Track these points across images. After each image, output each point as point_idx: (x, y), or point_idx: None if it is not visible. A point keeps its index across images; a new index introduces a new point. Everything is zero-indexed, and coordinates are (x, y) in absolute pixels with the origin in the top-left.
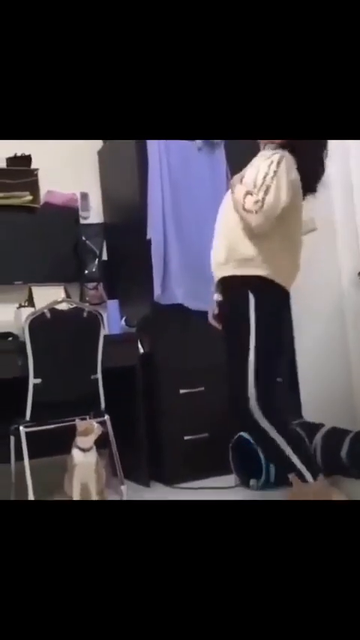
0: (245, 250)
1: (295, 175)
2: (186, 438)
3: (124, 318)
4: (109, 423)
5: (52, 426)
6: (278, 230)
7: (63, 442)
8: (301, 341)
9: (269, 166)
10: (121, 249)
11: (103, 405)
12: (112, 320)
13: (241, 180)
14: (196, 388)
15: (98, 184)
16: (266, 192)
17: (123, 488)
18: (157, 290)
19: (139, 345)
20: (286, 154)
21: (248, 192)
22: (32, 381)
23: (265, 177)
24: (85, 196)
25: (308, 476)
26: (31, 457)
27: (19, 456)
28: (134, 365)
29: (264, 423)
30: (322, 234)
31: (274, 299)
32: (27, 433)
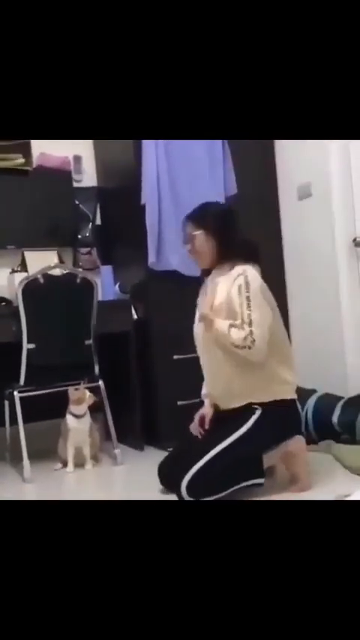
0: (244, 384)
1: (261, 281)
2: (179, 403)
3: (117, 284)
4: (102, 388)
5: (46, 391)
6: (270, 347)
7: (57, 407)
8: (295, 308)
9: (240, 294)
10: (115, 214)
11: (97, 371)
12: (106, 286)
13: (211, 307)
14: (189, 354)
15: (92, 147)
16: (251, 324)
17: (117, 452)
18: (151, 256)
19: (133, 311)
20: (247, 268)
21: (232, 325)
22: (26, 346)
23: (242, 307)
24: (78, 159)
25: None
26: (25, 421)
27: (14, 421)
28: (128, 331)
29: None
30: (318, 200)
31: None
32: (21, 398)
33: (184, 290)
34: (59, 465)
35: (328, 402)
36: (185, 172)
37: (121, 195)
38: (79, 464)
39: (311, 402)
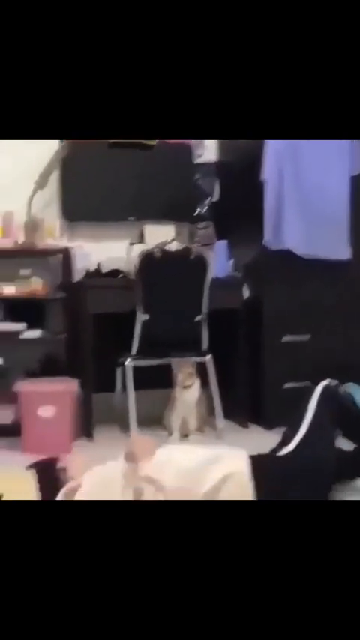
0: None
1: None
2: (286, 385)
3: (231, 261)
4: (210, 364)
5: (157, 362)
6: None
7: (166, 377)
8: None
9: None
10: (235, 190)
11: (205, 346)
12: (220, 262)
13: None
14: (300, 336)
15: None
16: None
17: (221, 426)
18: (267, 234)
19: (246, 289)
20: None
21: None
22: (140, 317)
23: None
24: None
25: None
26: (135, 389)
27: (125, 387)
28: (239, 309)
29: None
30: None
31: None
32: (133, 367)
33: (299, 271)
34: (165, 434)
35: None
36: (309, 149)
37: (242, 171)
38: (184, 434)
39: None
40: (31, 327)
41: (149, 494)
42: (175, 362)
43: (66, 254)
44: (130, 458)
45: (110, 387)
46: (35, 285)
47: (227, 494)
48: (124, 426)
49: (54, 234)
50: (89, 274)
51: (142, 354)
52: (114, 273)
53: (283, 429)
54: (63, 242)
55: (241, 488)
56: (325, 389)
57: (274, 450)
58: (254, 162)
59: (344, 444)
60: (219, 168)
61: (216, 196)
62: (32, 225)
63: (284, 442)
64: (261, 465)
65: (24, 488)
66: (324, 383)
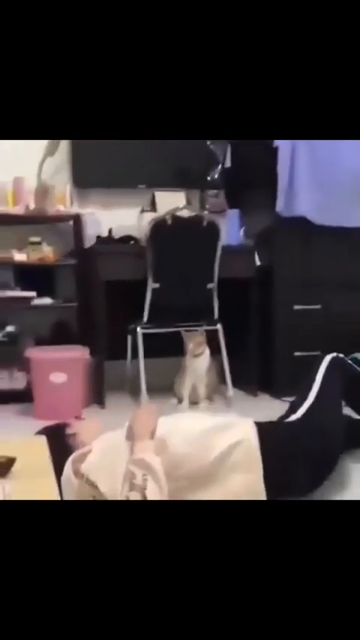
0: None
1: None
2: (296, 354)
3: (243, 229)
4: (221, 332)
5: (168, 330)
6: None
7: (177, 345)
8: None
9: None
10: (246, 157)
11: (216, 315)
12: (231, 230)
13: None
14: (311, 305)
15: None
16: None
17: (230, 394)
18: (280, 201)
19: (257, 258)
20: None
21: None
22: (151, 285)
23: None
24: None
25: None
26: (146, 357)
27: (135, 355)
28: (250, 277)
29: None
30: None
31: None
32: (143, 334)
33: (312, 239)
34: (175, 401)
35: None
36: None
37: None
38: (194, 402)
39: None
40: (42, 294)
41: (139, 479)
42: (185, 330)
43: (77, 221)
44: (129, 435)
45: (122, 355)
46: (46, 251)
47: (235, 462)
48: (135, 394)
49: (64, 201)
50: (100, 240)
51: (152, 322)
52: (125, 239)
53: (292, 398)
54: (74, 209)
55: (249, 455)
56: (334, 358)
57: (282, 418)
58: None
59: (351, 414)
60: None
61: (227, 163)
62: (43, 192)
63: (292, 410)
64: (268, 433)
65: (37, 452)
66: (333, 354)
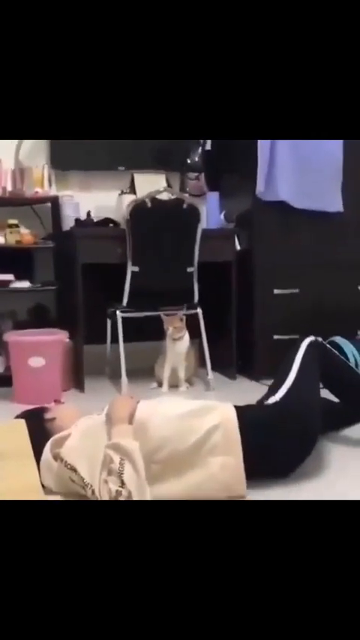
0: None
1: None
2: (275, 337)
3: (223, 213)
4: (201, 316)
5: (147, 314)
6: None
7: (157, 329)
8: None
9: None
10: (226, 140)
11: (196, 298)
12: (211, 213)
13: None
14: (290, 289)
15: None
16: None
17: (210, 378)
18: (260, 185)
19: (237, 241)
20: None
21: None
22: (130, 268)
23: None
24: None
25: None
26: (125, 341)
27: (115, 339)
28: (230, 261)
29: None
30: None
31: None
32: (123, 318)
33: (292, 223)
34: (155, 385)
35: None
36: None
37: None
38: (174, 385)
39: None
40: (20, 277)
41: (117, 464)
42: (165, 314)
43: (55, 203)
44: (108, 419)
45: (101, 339)
46: (24, 234)
47: (215, 445)
48: (115, 378)
49: (42, 183)
50: (79, 223)
51: (132, 305)
52: (104, 222)
53: (271, 381)
54: (52, 191)
55: (229, 438)
56: (313, 342)
57: (261, 401)
58: None
59: (329, 396)
60: None
61: (208, 145)
62: (20, 174)
63: (271, 393)
64: (248, 415)
65: (16, 435)
66: (311, 337)
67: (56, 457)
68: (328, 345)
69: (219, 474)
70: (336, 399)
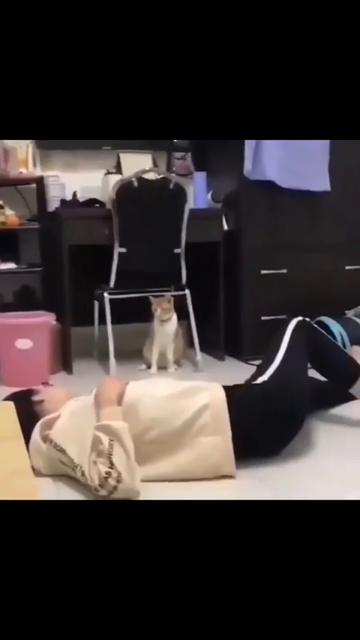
0: None
1: None
2: (263, 318)
3: (210, 192)
4: (188, 297)
5: (135, 295)
6: None
7: (144, 311)
8: None
9: None
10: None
11: (184, 279)
12: (199, 193)
13: None
14: (278, 270)
15: None
16: None
17: (198, 359)
18: (247, 164)
19: (224, 222)
20: None
21: None
22: (117, 249)
23: None
24: None
25: None
26: (113, 322)
27: (103, 320)
28: (218, 241)
29: None
30: None
31: None
32: (110, 300)
33: (279, 203)
34: (144, 366)
35: None
36: None
37: None
38: (162, 367)
39: None
40: (5, 259)
41: (106, 445)
42: (152, 295)
43: (40, 183)
44: (96, 402)
45: (89, 321)
46: (8, 215)
47: (203, 425)
48: (104, 360)
49: (27, 164)
50: (65, 204)
51: (119, 287)
52: (90, 202)
53: (259, 361)
54: (37, 171)
55: (217, 418)
56: (300, 322)
57: (250, 381)
58: None
59: (316, 376)
60: None
61: None
62: (4, 154)
63: (259, 373)
64: (236, 395)
65: (5, 417)
66: (299, 317)
67: (45, 439)
68: (315, 325)
69: (209, 453)
70: (324, 379)
